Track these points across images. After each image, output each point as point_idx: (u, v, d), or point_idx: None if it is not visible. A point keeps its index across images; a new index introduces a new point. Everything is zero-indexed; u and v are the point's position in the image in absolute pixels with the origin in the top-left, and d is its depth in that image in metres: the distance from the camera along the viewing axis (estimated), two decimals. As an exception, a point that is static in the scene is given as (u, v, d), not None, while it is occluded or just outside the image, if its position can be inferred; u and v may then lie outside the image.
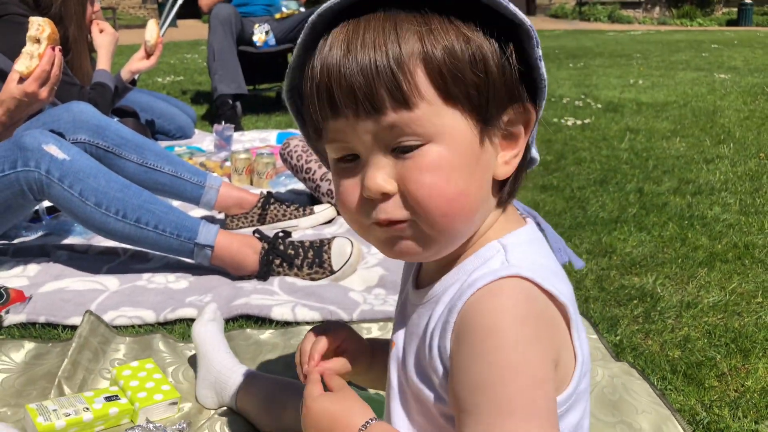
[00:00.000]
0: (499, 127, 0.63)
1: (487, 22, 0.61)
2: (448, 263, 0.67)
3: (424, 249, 0.64)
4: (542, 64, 0.64)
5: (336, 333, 0.82)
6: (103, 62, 2.66)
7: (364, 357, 0.84)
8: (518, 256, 0.63)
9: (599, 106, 4.52)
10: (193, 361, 1.32)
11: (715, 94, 4.98)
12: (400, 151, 0.60)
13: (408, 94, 0.58)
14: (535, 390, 0.58)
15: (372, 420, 0.69)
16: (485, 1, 0.61)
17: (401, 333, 0.73)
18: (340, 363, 0.81)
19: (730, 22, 18.20)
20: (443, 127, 0.60)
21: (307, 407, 0.73)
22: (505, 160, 0.65)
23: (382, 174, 0.61)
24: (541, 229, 0.72)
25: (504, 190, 0.67)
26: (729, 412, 1.18)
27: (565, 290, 0.63)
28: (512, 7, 0.61)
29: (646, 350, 1.38)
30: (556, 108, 4.44)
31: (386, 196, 0.61)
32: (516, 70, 0.62)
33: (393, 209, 0.62)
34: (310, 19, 0.64)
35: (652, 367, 1.31)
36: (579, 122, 3.95)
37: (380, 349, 0.85)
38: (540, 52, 0.63)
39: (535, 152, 0.70)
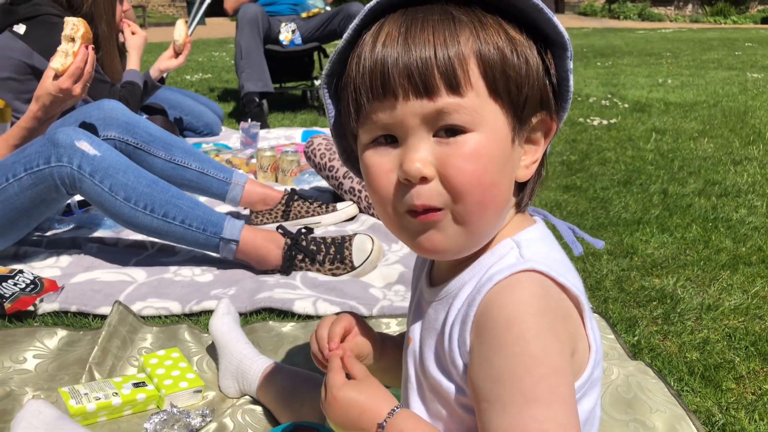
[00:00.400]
0: (527, 130, 0.67)
1: (528, 27, 0.65)
2: (462, 261, 0.70)
3: (456, 243, 0.65)
4: (571, 77, 0.67)
5: (348, 319, 0.84)
6: (133, 62, 2.73)
7: (375, 344, 0.86)
8: (532, 252, 0.66)
9: (626, 105, 4.48)
10: (212, 351, 1.36)
11: (746, 94, 4.90)
12: (443, 134, 0.62)
13: (461, 81, 0.61)
14: (557, 377, 0.60)
15: (397, 408, 0.71)
16: (532, 12, 0.64)
17: (417, 329, 0.75)
18: (358, 347, 0.82)
19: (766, 20, 17.81)
20: (486, 118, 0.62)
21: (332, 397, 0.73)
22: (525, 164, 0.68)
23: (422, 157, 0.62)
24: (551, 227, 0.74)
25: (523, 193, 0.70)
26: (746, 414, 1.18)
27: (577, 282, 0.66)
28: (555, 19, 0.65)
29: (663, 351, 1.38)
30: (582, 107, 4.41)
31: (424, 181, 0.62)
32: (554, 77, 0.67)
33: (430, 194, 0.63)
34: (371, 4, 0.66)
35: (669, 368, 1.31)
36: (605, 122, 3.92)
37: (389, 341, 0.88)
38: (571, 65, 0.66)
39: None
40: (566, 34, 0.65)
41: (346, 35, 0.67)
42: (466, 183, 0.62)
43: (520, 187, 0.70)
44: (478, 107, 0.62)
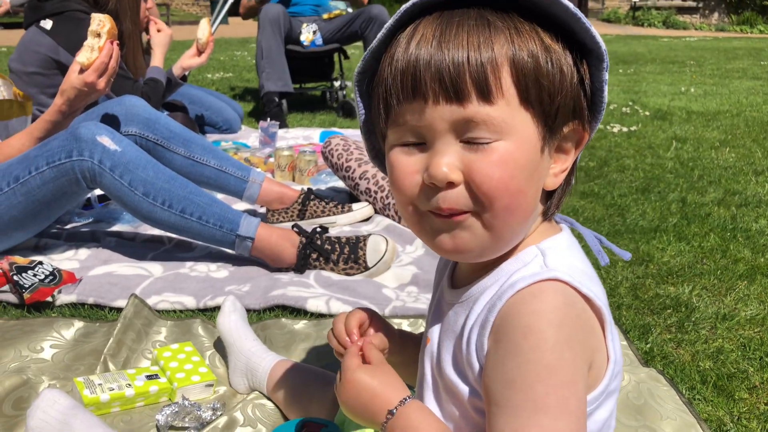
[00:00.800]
0: (558, 139, 0.66)
1: (565, 36, 0.65)
2: (486, 265, 0.70)
3: (479, 245, 0.65)
4: (606, 88, 0.67)
5: (361, 313, 0.84)
6: (157, 59, 2.76)
7: (392, 339, 0.85)
8: (556, 260, 0.66)
9: (647, 113, 4.44)
10: (221, 347, 1.38)
11: (770, 105, 4.84)
12: (472, 143, 0.62)
13: (492, 89, 0.60)
14: (568, 390, 0.60)
15: (409, 398, 0.71)
16: (570, 20, 0.64)
17: (436, 330, 0.75)
18: (378, 337, 0.82)
19: (793, 30, 17.52)
20: (516, 127, 0.62)
21: (346, 379, 0.73)
22: (554, 172, 0.68)
23: (449, 162, 0.62)
24: (577, 235, 0.74)
25: (551, 202, 0.70)
26: (758, 425, 1.17)
27: (600, 294, 0.65)
28: (593, 29, 0.64)
29: (676, 359, 1.37)
30: (602, 114, 4.38)
31: (450, 185, 0.63)
32: (588, 87, 0.67)
33: (457, 199, 0.63)
34: (407, 5, 0.66)
35: (681, 376, 1.30)
36: (625, 129, 3.90)
37: (408, 338, 0.88)
38: (607, 76, 0.66)
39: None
40: (603, 45, 0.64)
41: (380, 34, 0.67)
42: (493, 189, 0.62)
43: (548, 194, 0.70)
44: (508, 115, 0.61)
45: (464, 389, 0.69)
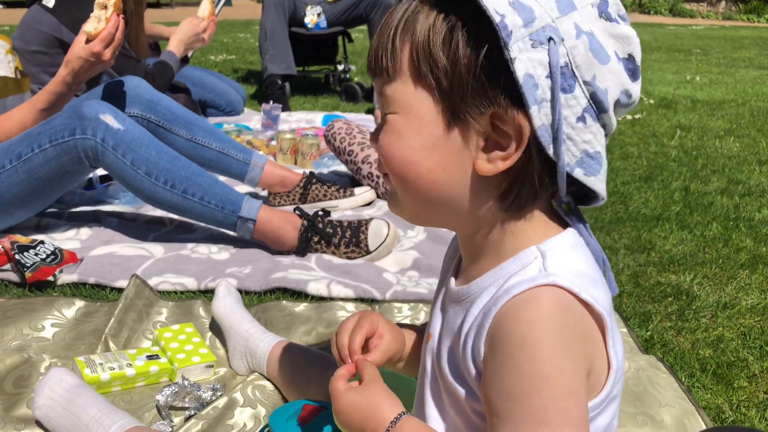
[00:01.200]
0: (475, 128, 0.62)
1: (475, 17, 0.60)
2: (486, 263, 0.68)
3: (397, 207, 0.71)
4: (518, 66, 0.59)
5: (370, 320, 0.83)
6: (173, 45, 2.75)
7: (400, 340, 0.85)
8: (557, 263, 0.63)
9: (652, 101, 4.42)
10: (215, 328, 1.38)
11: (775, 94, 4.81)
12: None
13: (389, 67, 0.65)
14: (568, 400, 0.59)
15: (402, 414, 0.70)
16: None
17: (437, 326, 0.74)
18: (379, 353, 0.81)
19: (801, 20, 17.38)
20: (410, 102, 0.64)
21: (335, 403, 0.74)
22: (489, 158, 0.63)
23: (374, 131, 0.70)
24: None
25: (511, 191, 0.64)
26: (756, 413, 1.17)
27: (602, 299, 0.63)
28: (485, 3, 0.59)
29: (676, 347, 1.37)
30: (606, 101, 4.36)
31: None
32: (484, 68, 0.60)
33: (379, 163, 0.70)
34: None
35: (681, 364, 1.30)
36: (629, 117, 3.88)
37: (418, 334, 0.87)
38: (513, 54, 0.59)
39: (603, 188, 0.66)
40: (498, 18, 0.58)
41: None
42: (383, 156, 0.67)
43: (509, 185, 0.64)
44: (402, 92, 0.64)
45: (462, 391, 0.68)
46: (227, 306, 1.33)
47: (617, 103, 0.64)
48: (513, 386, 0.60)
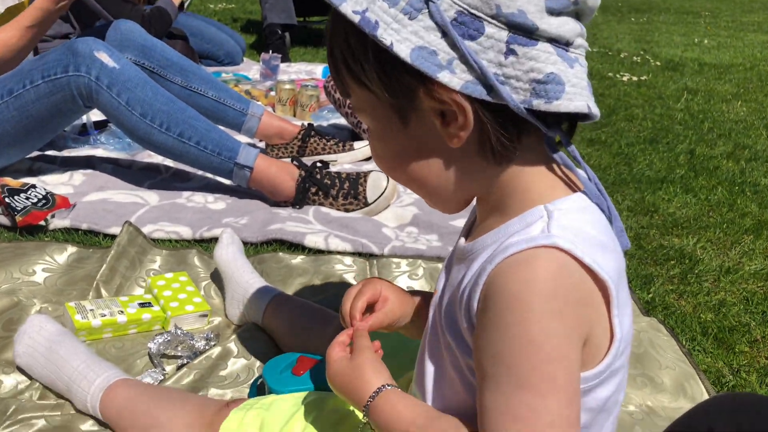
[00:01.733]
0: (423, 111, 0.62)
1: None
2: (493, 222, 0.66)
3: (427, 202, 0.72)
4: (400, 48, 0.58)
5: (373, 285, 0.83)
6: None
7: (408, 304, 0.84)
8: (562, 225, 0.60)
9: (658, 63, 4.33)
10: (217, 278, 1.36)
11: (785, 60, 4.72)
12: None
13: (341, 86, 0.67)
14: (556, 366, 0.57)
15: (384, 387, 0.70)
16: None
17: (442, 282, 0.73)
18: (379, 317, 0.82)
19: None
20: (364, 104, 0.66)
21: (327, 369, 0.76)
22: (451, 133, 0.62)
23: None
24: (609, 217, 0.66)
25: (486, 149, 0.63)
26: (757, 378, 1.16)
27: (609, 265, 0.60)
28: None
29: (678, 310, 1.35)
30: (612, 62, 4.28)
31: None
32: (382, 61, 0.60)
33: None
34: None
35: (682, 327, 1.29)
36: (635, 78, 3.80)
37: (424, 299, 0.85)
38: (388, 40, 0.58)
39: (584, 104, 0.61)
40: (358, 17, 0.58)
41: None
42: (376, 162, 0.71)
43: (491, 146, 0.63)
44: (357, 98, 0.66)
45: (458, 347, 0.66)
46: (230, 254, 1.30)
47: (562, 9, 0.59)
48: (500, 348, 0.58)
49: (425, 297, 0.85)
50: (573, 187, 0.65)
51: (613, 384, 0.65)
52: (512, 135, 0.62)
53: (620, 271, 0.63)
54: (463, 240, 0.72)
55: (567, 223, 0.60)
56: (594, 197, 0.65)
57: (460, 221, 1.67)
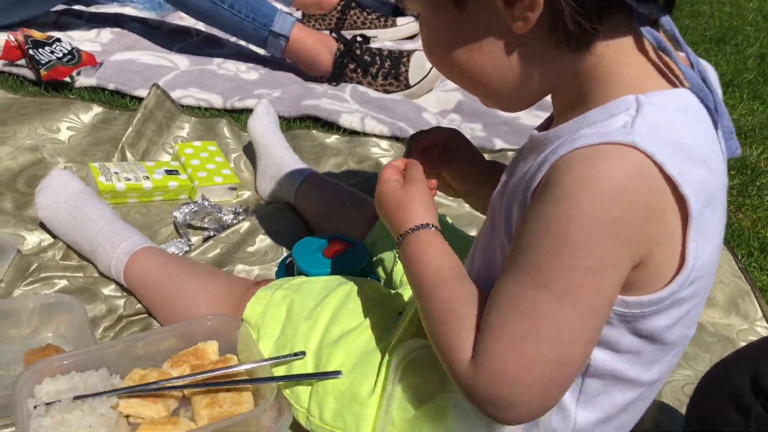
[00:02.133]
0: None
1: None
2: (572, 113, 0.57)
3: (485, 103, 0.66)
4: None
5: (447, 133, 0.79)
6: None
7: (476, 169, 0.79)
8: (651, 121, 0.51)
9: (733, -43, 3.95)
10: (248, 151, 1.29)
11: None
12: None
13: None
14: (587, 277, 0.51)
15: (431, 226, 0.67)
16: None
17: (509, 170, 0.67)
18: (450, 164, 0.79)
19: None
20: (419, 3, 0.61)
21: (378, 186, 0.73)
22: (516, 16, 0.54)
23: None
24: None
25: (559, 34, 0.54)
26: (813, 300, 1.08)
27: (697, 180, 0.51)
28: None
29: (735, 224, 1.27)
30: (682, -48, 3.91)
31: None
32: None
33: None
34: None
35: (738, 242, 1.21)
36: (706, -28, 3.47)
37: (496, 172, 0.77)
38: None
39: None
40: None
41: None
42: (427, 56, 0.65)
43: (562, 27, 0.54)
44: None
45: (504, 239, 0.61)
46: (264, 125, 1.22)
47: None
48: (537, 242, 0.52)
49: (499, 169, 0.77)
50: (673, 80, 0.55)
51: (672, 315, 0.56)
52: (592, 13, 0.52)
53: (713, 193, 0.54)
54: (535, 131, 0.63)
55: (658, 121, 0.51)
56: (697, 89, 0.55)
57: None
